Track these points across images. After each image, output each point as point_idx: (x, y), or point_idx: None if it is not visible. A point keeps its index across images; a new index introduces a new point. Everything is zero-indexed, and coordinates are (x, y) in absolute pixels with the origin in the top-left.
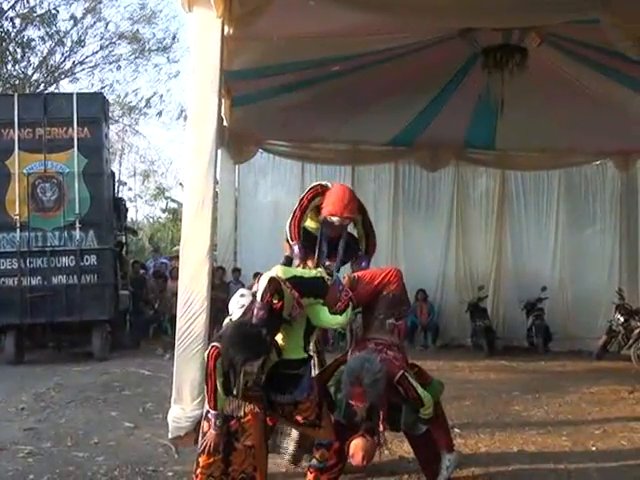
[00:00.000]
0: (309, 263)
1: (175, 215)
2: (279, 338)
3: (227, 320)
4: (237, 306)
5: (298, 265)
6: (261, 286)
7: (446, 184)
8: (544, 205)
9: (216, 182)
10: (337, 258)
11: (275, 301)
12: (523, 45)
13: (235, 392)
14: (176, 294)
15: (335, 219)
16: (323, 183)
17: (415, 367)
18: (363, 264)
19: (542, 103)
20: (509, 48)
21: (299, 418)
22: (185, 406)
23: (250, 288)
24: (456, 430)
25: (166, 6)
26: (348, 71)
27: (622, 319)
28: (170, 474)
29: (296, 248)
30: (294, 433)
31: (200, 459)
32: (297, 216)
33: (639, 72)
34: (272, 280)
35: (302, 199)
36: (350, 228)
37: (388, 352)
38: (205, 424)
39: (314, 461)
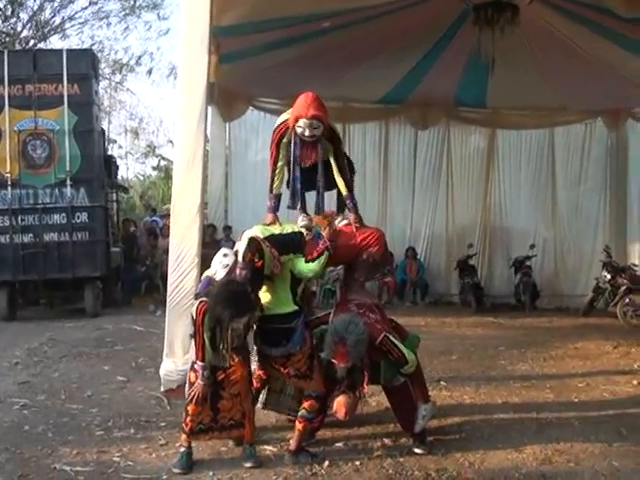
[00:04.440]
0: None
1: (166, 173)
2: (267, 295)
3: (206, 274)
4: (221, 265)
5: (271, 223)
6: (241, 247)
7: (436, 142)
8: (533, 164)
9: (206, 140)
10: (319, 185)
11: (256, 260)
12: (514, 2)
13: (222, 347)
14: (167, 251)
15: (302, 123)
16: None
17: (392, 322)
18: (351, 204)
19: (533, 61)
20: (500, 5)
21: (291, 370)
22: (177, 360)
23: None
24: (442, 383)
25: None
26: (338, 28)
27: (609, 276)
28: (163, 424)
29: (268, 201)
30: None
31: (189, 408)
32: (272, 158)
33: (629, 30)
34: (252, 240)
35: (273, 135)
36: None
37: (370, 315)
38: (192, 375)
39: (303, 411)
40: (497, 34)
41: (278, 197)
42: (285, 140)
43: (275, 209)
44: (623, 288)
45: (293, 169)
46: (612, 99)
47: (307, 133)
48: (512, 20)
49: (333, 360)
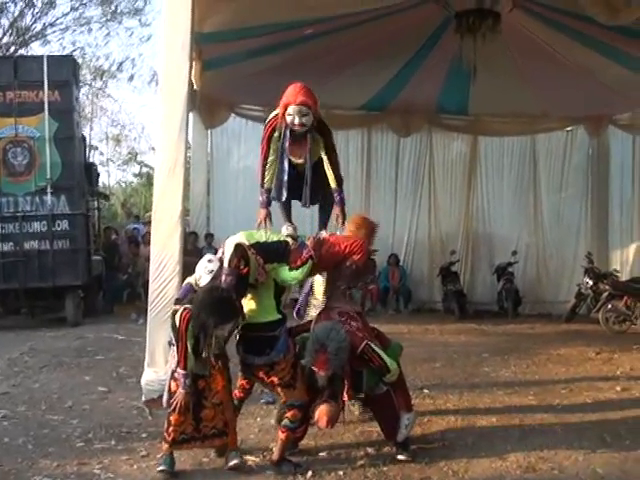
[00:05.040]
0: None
1: (148, 180)
2: (251, 303)
3: (187, 281)
4: (205, 271)
5: (261, 222)
6: (227, 252)
7: (419, 149)
8: (515, 170)
9: (188, 147)
10: (307, 179)
11: (242, 266)
12: (496, 9)
13: (205, 354)
14: (149, 259)
15: (291, 109)
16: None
17: (374, 330)
18: (338, 197)
19: (515, 68)
20: (482, 12)
21: (275, 379)
22: (158, 369)
23: (221, 250)
24: (425, 391)
25: None
26: (321, 35)
27: (591, 282)
28: (144, 435)
29: (260, 197)
30: None
31: (171, 418)
32: (263, 152)
33: (609, 38)
34: (238, 246)
35: (264, 130)
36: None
37: (352, 323)
38: (173, 384)
39: (286, 421)
40: (479, 42)
41: (269, 191)
42: (276, 134)
43: (267, 204)
44: (605, 294)
45: (281, 161)
46: (593, 106)
47: (297, 121)
48: (493, 28)
49: (313, 368)
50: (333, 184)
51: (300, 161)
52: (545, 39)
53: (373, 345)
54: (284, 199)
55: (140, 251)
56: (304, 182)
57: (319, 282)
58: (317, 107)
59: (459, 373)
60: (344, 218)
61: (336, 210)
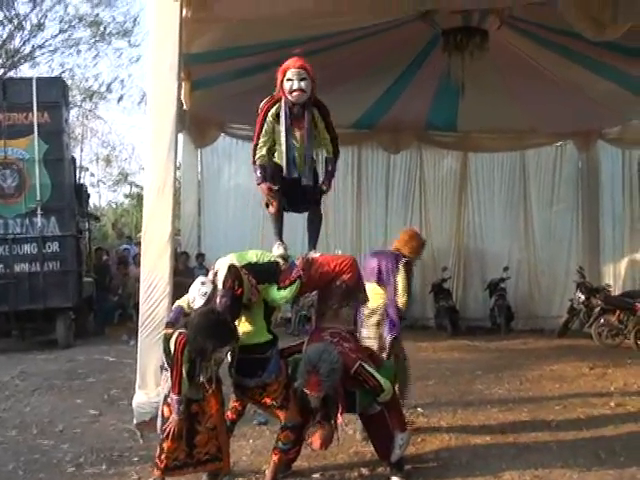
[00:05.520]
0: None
1: (139, 200)
2: (242, 324)
3: (178, 304)
4: (199, 294)
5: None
6: (221, 274)
7: (409, 166)
8: (506, 186)
9: (177, 167)
10: (306, 153)
11: (236, 287)
12: (483, 27)
13: (202, 378)
14: (139, 280)
15: (290, 73)
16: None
17: (367, 350)
18: (329, 167)
19: (503, 85)
20: (469, 30)
21: (267, 400)
22: (149, 391)
23: (213, 272)
24: (419, 409)
25: None
26: (309, 54)
27: (583, 297)
28: (135, 459)
29: (255, 173)
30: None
31: (164, 444)
32: (258, 128)
33: (596, 53)
34: (232, 267)
35: (261, 107)
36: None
37: (344, 344)
38: (165, 409)
39: (279, 443)
40: (467, 59)
41: (263, 167)
42: (273, 111)
43: (264, 179)
44: (597, 309)
45: (286, 139)
46: (582, 121)
47: (295, 85)
48: (481, 45)
49: (305, 390)
50: (330, 153)
51: (299, 134)
52: (533, 55)
53: (366, 365)
54: (295, 175)
55: (130, 272)
56: (299, 183)
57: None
58: (315, 79)
59: (452, 391)
60: (328, 187)
61: (326, 180)
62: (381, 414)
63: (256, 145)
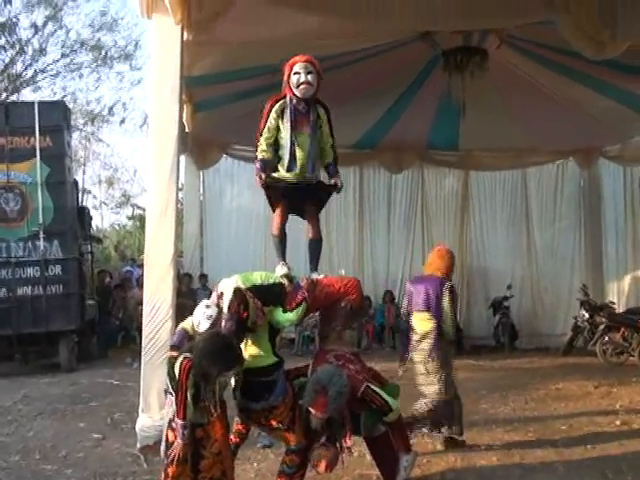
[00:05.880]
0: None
1: (142, 222)
2: (248, 347)
3: (182, 326)
4: (204, 317)
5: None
6: (226, 297)
7: (411, 186)
8: (508, 204)
9: (180, 188)
10: (311, 152)
11: (241, 311)
12: (483, 47)
13: (207, 403)
14: (142, 302)
15: (298, 67)
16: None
17: (371, 370)
18: (331, 168)
19: (503, 103)
20: (469, 50)
21: (273, 423)
22: (153, 415)
23: (217, 294)
24: (423, 430)
25: (127, 13)
26: None
27: (587, 315)
28: None
29: (255, 164)
30: None
31: (169, 470)
32: (262, 123)
33: (596, 71)
34: (237, 291)
35: (267, 104)
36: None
37: (350, 366)
38: (170, 434)
39: (284, 467)
40: (467, 79)
41: (264, 161)
42: (277, 107)
43: (264, 169)
44: (602, 326)
45: (291, 134)
46: (583, 138)
47: (303, 78)
48: (481, 65)
49: (311, 409)
50: (330, 158)
51: (305, 132)
52: (532, 74)
53: (372, 386)
54: (297, 170)
55: (129, 294)
56: (303, 188)
57: (418, 318)
58: (321, 74)
59: None
60: (340, 185)
61: (335, 180)
62: (386, 436)
63: (257, 139)
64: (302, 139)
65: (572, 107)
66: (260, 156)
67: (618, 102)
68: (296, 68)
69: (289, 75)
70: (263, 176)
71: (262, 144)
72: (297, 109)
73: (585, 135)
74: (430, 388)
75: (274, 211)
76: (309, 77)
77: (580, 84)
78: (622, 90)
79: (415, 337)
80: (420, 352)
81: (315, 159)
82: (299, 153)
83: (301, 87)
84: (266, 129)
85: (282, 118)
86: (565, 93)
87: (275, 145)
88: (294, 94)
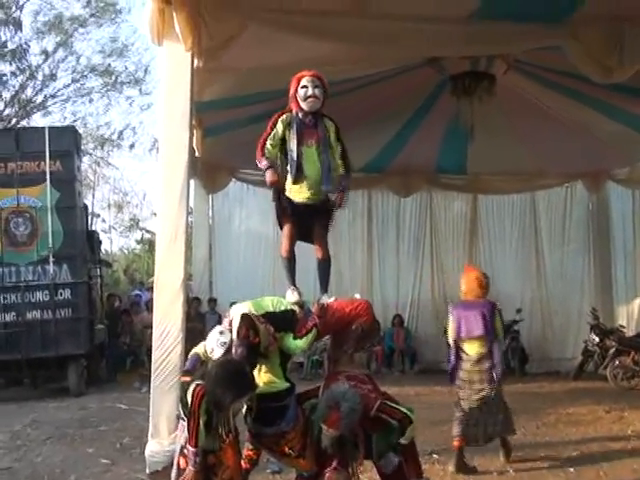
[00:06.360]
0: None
1: (151, 246)
2: (259, 373)
3: (195, 351)
4: (218, 344)
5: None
6: (234, 324)
7: (419, 209)
8: (517, 227)
9: (189, 212)
10: (324, 164)
11: (251, 336)
12: (490, 71)
13: (220, 430)
14: (151, 326)
15: (305, 80)
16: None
17: (385, 394)
18: (343, 183)
19: (512, 127)
20: (477, 75)
21: (285, 449)
22: (162, 440)
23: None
24: (435, 456)
25: (138, 39)
26: None
27: (597, 339)
28: None
29: (260, 163)
30: None
31: None
32: (264, 135)
33: (604, 95)
34: (244, 316)
35: (273, 118)
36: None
37: (362, 386)
38: (182, 460)
39: None
40: (475, 103)
41: (269, 158)
42: (284, 117)
43: (271, 166)
44: (612, 350)
45: (298, 148)
46: (591, 162)
47: (310, 92)
48: (489, 90)
49: (323, 425)
50: (342, 170)
51: (313, 145)
52: (540, 98)
53: (387, 402)
54: (307, 186)
55: (137, 318)
56: (321, 164)
57: (474, 342)
58: (328, 91)
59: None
60: (342, 203)
61: (339, 195)
62: (400, 469)
63: (264, 144)
64: (310, 152)
65: (580, 130)
66: (266, 154)
67: (626, 125)
68: (304, 82)
69: (296, 89)
70: (270, 173)
71: (266, 146)
72: (304, 122)
73: (593, 158)
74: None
75: (281, 228)
76: (316, 91)
77: (588, 107)
78: (630, 113)
79: (475, 357)
80: (482, 373)
81: (328, 172)
82: (308, 167)
83: (309, 100)
84: (271, 135)
85: (289, 130)
86: (573, 116)
87: (283, 155)
88: (300, 108)
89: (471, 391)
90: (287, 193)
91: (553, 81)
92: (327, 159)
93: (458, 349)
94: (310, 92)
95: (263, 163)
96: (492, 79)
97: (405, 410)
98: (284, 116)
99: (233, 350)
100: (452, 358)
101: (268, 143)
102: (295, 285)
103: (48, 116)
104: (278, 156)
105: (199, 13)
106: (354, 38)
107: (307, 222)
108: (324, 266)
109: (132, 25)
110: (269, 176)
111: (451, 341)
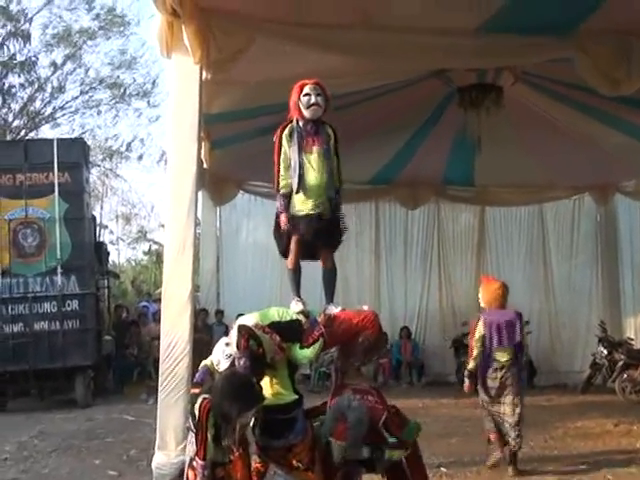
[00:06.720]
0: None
1: (158, 257)
2: (267, 384)
3: (204, 363)
4: (224, 356)
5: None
6: (233, 336)
7: (427, 221)
8: (524, 240)
9: (197, 224)
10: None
11: (254, 347)
12: (498, 84)
13: (228, 442)
14: (159, 337)
15: (308, 88)
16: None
17: (393, 407)
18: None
19: (520, 139)
20: (484, 87)
21: (293, 462)
22: (169, 452)
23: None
24: (442, 469)
25: (146, 52)
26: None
27: (605, 352)
28: None
29: (278, 202)
30: None
31: None
32: (276, 154)
33: (611, 107)
34: (241, 327)
35: (277, 132)
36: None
37: (369, 398)
38: (191, 473)
39: None
40: (482, 115)
41: (286, 197)
42: (286, 132)
43: (286, 209)
44: (620, 363)
45: (299, 157)
46: (599, 174)
47: (313, 100)
48: (497, 102)
49: (331, 438)
50: (337, 183)
51: (315, 152)
52: (548, 110)
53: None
54: (302, 186)
55: (144, 330)
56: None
57: (504, 350)
58: (329, 99)
59: (476, 449)
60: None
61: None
62: (403, 475)
63: (279, 173)
64: (313, 158)
65: (588, 143)
66: (283, 191)
67: (633, 138)
68: (306, 90)
69: (298, 97)
70: (283, 217)
71: (284, 178)
72: (305, 130)
73: (601, 171)
74: (515, 409)
75: (285, 257)
76: (319, 99)
77: (595, 120)
78: (637, 126)
79: (500, 367)
80: (508, 378)
81: (331, 178)
82: (310, 175)
83: (311, 108)
84: (282, 158)
85: (290, 141)
86: (580, 129)
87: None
88: (302, 115)
89: (500, 398)
90: (292, 208)
91: (561, 93)
92: (329, 165)
93: (488, 357)
94: (313, 100)
95: (279, 203)
96: (499, 91)
97: (410, 420)
98: (286, 130)
99: (236, 362)
100: (480, 365)
101: (282, 169)
102: (300, 296)
103: (57, 128)
104: None
105: (208, 26)
106: (361, 51)
107: (314, 239)
108: (330, 276)
109: (141, 37)
110: (284, 220)
111: (477, 349)
